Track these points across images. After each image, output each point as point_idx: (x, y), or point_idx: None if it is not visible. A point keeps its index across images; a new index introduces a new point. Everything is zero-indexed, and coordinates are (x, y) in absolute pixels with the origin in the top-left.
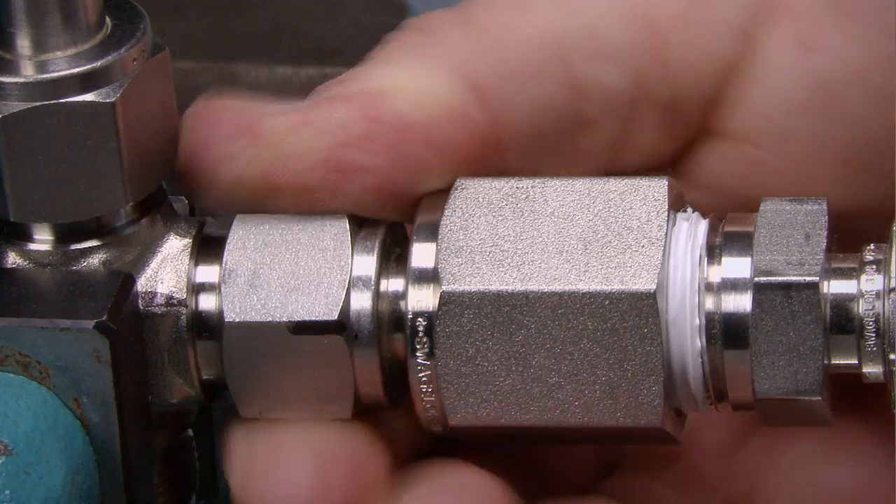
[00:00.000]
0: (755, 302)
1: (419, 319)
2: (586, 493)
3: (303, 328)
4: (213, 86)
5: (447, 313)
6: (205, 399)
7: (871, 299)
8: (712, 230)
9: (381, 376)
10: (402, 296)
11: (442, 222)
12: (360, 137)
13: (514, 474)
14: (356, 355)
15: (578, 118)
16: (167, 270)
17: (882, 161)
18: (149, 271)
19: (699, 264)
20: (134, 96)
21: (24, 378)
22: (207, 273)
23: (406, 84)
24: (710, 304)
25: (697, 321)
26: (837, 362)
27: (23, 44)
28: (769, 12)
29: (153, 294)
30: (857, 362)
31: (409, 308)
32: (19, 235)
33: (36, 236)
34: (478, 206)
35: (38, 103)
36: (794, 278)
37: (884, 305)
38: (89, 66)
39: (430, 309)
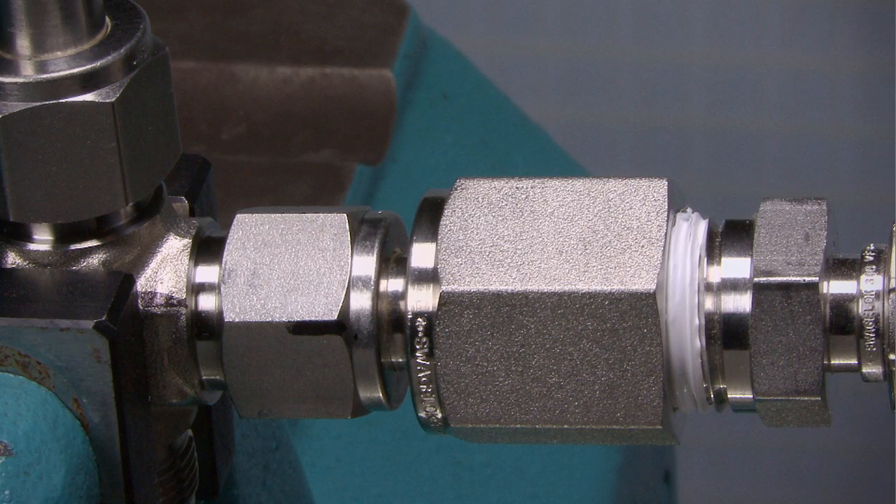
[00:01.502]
0: (755, 302)
1: (419, 319)
2: None
3: (302, 328)
4: (213, 86)
5: (447, 313)
6: (205, 399)
7: (870, 299)
8: (712, 230)
9: (380, 376)
10: (402, 296)
11: (442, 222)
12: None
13: None
14: (356, 355)
15: None
16: (167, 270)
17: None
18: (148, 271)
19: (699, 264)
20: (134, 96)
21: (24, 378)
22: (207, 273)
23: None
24: (709, 304)
25: (697, 321)
26: (837, 363)
27: (23, 44)
28: None
29: (153, 294)
30: (856, 363)
31: (409, 308)
32: (19, 235)
33: (36, 236)
34: (478, 206)
35: (38, 103)
36: (794, 278)
37: (883, 306)
38: (89, 66)
39: (430, 309)
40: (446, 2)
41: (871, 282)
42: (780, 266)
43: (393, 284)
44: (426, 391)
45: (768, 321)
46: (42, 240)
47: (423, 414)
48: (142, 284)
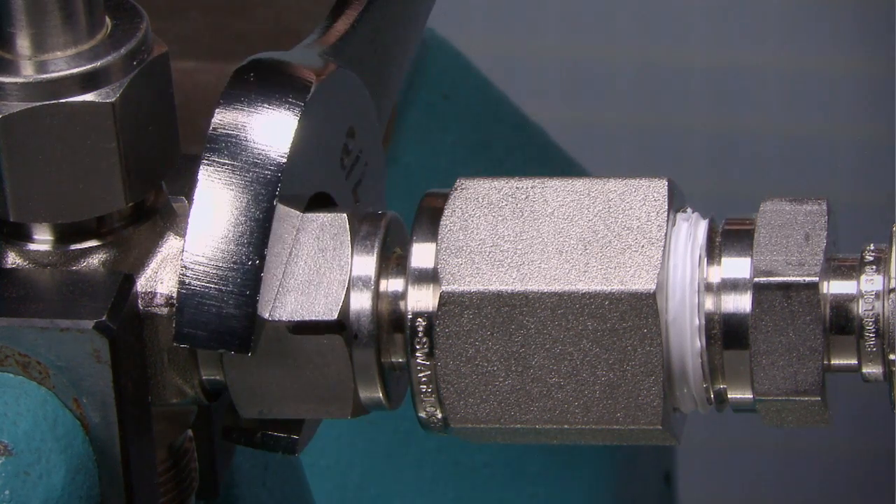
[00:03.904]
0: (755, 302)
1: (419, 320)
2: None
3: (302, 328)
4: (213, 86)
5: (447, 313)
6: (205, 399)
7: (870, 299)
8: (712, 230)
9: (380, 376)
10: (402, 296)
11: (442, 222)
12: None
13: None
14: (356, 355)
15: None
16: (167, 270)
17: None
18: (148, 271)
19: (699, 264)
20: (134, 96)
21: (24, 378)
22: None
23: None
24: (709, 304)
25: (697, 321)
26: (837, 363)
27: (23, 44)
28: None
29: (153, 294)
30: (856, 363)
31: (409, 308)
32: (19, 235)
33: (36, 236)
34: (478, 206)
35: (38, 103)
36: (794, 278)
37: (883, 306)
38: (89, 66)
39: (430, 309)
40: (446, 1)
41: (871, 282)
42: (780, 266)
43: (393, 284)
44: (426, 391)
45: (768, 321)
46: (42, 240)
47: (423, 414)
48: (142, 284)
